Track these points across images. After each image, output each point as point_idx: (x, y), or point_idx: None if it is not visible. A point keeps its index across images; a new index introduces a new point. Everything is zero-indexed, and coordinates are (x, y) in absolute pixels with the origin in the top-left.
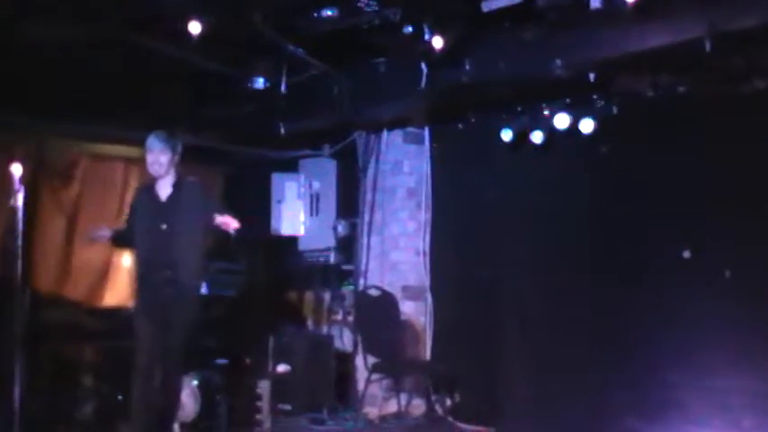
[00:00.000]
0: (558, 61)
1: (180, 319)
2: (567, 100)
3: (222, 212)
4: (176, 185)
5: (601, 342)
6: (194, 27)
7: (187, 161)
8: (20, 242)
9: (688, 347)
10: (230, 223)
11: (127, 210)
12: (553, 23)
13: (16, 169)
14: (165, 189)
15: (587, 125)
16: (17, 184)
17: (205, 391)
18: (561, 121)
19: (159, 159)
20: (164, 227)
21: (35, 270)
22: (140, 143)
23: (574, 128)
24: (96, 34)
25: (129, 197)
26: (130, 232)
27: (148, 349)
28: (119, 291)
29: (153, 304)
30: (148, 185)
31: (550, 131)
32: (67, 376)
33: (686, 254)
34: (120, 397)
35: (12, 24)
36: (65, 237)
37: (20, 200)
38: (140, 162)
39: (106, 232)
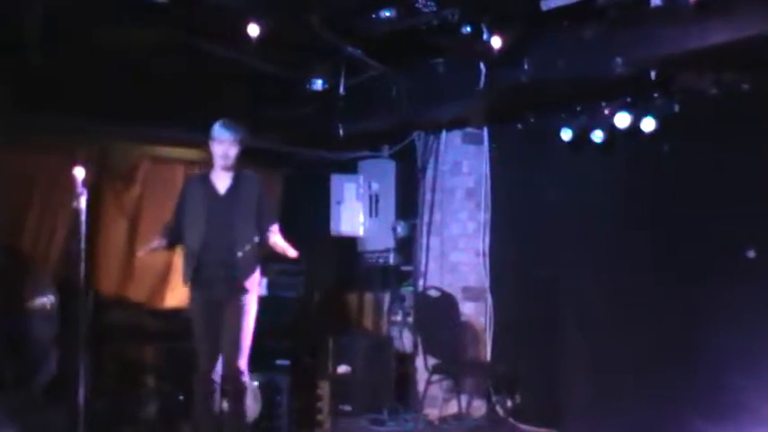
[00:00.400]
0: (619, 59)
1: (239, 320)
2: (628, 98)
3: (274, 216)
4: (236, 178)
5: (663, 342)
6: (253, 30)
7: (247, 163)
8: (83, 245)
9: (753, 349)
10: (288, 251)
11: None
12: (613, 21)
13: (79, 172)
14: (222, 181)
15: (648, 124)
16: (80, 187)
17: (266, 392)
18: (622, 120)
19: (229, 151)
20: (221, 222)
21: (98, 272)
22: (200, 145)
23: (635, 127)
24: (157, 39)
25: None
26: (179, 228)
27: (208, 352)
28: (179, 292)
29: (210, 303)
30: (203, 176)
31: (611, 130)
32: (131, 377)
33: (751, 253)
34: (181, 397)
35: (74, 31)
36: (126, 239)
37: (83, 203)
38: (200, 164)
39: (161, 242)
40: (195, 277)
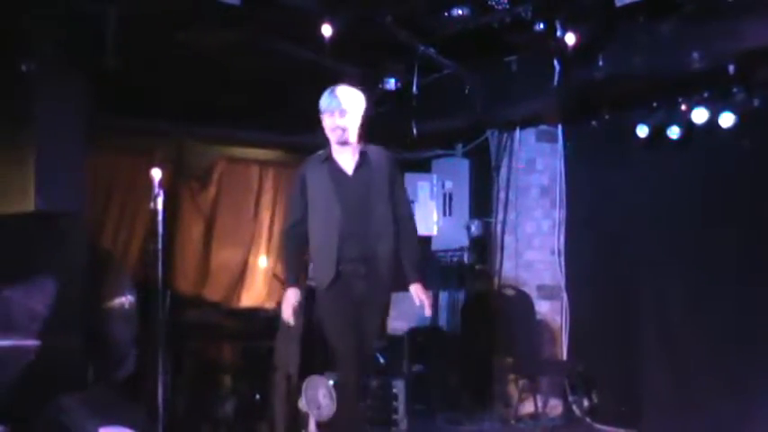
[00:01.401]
0: (696, 54)
1: (376, 320)
2: (706, 94)
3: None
4: (363, 154)
5: (746, 342)
6: (326, 30)
7: None
8: (160, 245)
9: None
10: (426, 305)
11: (265, 212)
12: (689, 15)
13: (156, 173)
14: (348, 160)
15: (727, 119)
16: (157, 188)
17: (341, 391)
18: (699, 115)
19: (339, 122)
20: (355, 208)
21: (175, 272)
22: (275, 146)
23: (713, 122)
24: (233, 40)
25: (264, 200)
26: (304, 222)
27: (351, 359)
28: (255, 292)
29: (346, 304)
30: (324, 156)
31: (688, 126)
32: (208, 376)
33: None
34: (257, 396)
35: (151, 33)
36: (203, 239)
37: (160, 203)
38: (275, 164)
39: (297, 297)
40: (327, 275)
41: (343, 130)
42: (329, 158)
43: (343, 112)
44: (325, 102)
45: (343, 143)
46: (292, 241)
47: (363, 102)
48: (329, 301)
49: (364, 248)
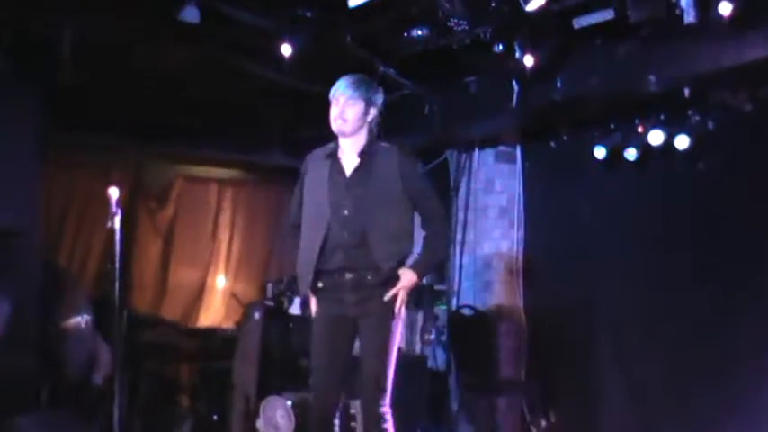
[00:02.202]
0: (652, 77)
1: (373, 339)
2: (662, 116)
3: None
4: (365, 153)
5: (701, 362)
6: (286, 49)
7: (283, 182)
8: (118, 264)
9: None
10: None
11: (224, 232)
12: (646, 38)
13: (113, 192)
14: (350, 158)
15: (683, 141)
16: (115, 207)
17: (300, 412)
18: (656, 137)
19: (344, 112)
20: (346, 212)
21: (133, 291)
22: (234, 165)
23: (669, 144)
24: (192, 58)
25: (222, 219)
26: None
27: (317, 379)
28: (213, 311)
29: (328, 318)
30: (329, 151)
31: (645, 148)
32: (165, 396)
33: None
34: (215, 417)
35: (109, 50)
36: (161, 258)
37: (117, 222)
38: (233, 183)
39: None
40: (315, 284)
41: (343, 120)
42: (333, 155)
43: (348, 101)
44: (334, 89)
45: (343, 135)
46: (295, 247)
47: (375, 94)
48: (315, 315)
49: (355, 259)
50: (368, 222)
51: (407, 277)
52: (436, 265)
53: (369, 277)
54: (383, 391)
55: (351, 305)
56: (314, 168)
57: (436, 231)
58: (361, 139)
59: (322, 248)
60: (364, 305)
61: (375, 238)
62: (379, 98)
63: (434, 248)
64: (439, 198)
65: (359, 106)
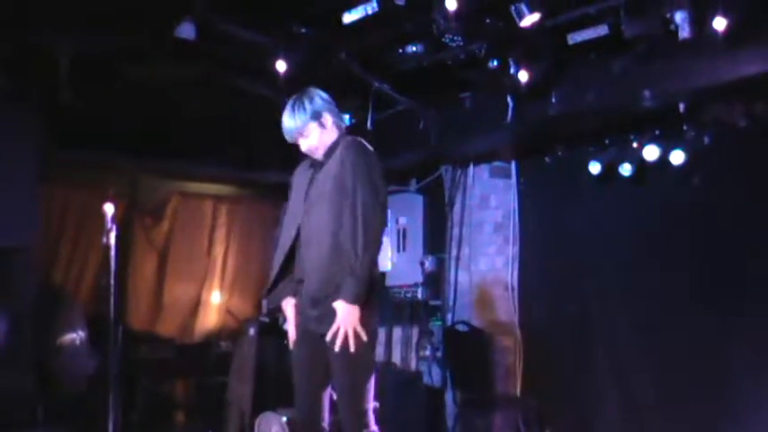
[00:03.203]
0: (647, 92)
1: (336, 365)
2: (657, 131)
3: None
4: (328, 151)
5: (696, 379)
6: (281, 66)
7: (278, 198)
8: (113, 280)
9: None
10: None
11: (219, 248)
12: (641, 54)
13: (109, 208)
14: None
15: (678, 157)
16: (110, 223)
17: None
18: (651, 152)
19: (308, 144)
20: (306, 217)
21: (128, 307)
22: (229, 181)
23: (664, 160)
24: (187, 75)
25: (217, 235)
26: None
27: (298, 397)
28: (208, 327)
29: (302, 335)
30: (310, 159)
31: (640, 163)
32: (161, 412)
33: None
34: None
35: (105, 68)
36: (156, 274)
37: (113, 238)
38: (228, 199)
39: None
40: (280, 297)
41: (312, 149)
42: (313, 161)
43: (297, 137)
44: (282, 127)
45: (322, 156)
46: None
47: (312, 104)
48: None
49: (305, 269)
50: (312, 225)
51: (343, 311)
52: (362, 288)
53: (314, 292)
54: (360, 416)
55: (312, 320)
56: (297, 176)
57: (352, 234)
58: (329, 142)
59: (287, 256)
60: (323, 321)
61: (313, 244)
62: (318, 100)
63: (352, 277)
64: (370, 194)
65: (312, 128)
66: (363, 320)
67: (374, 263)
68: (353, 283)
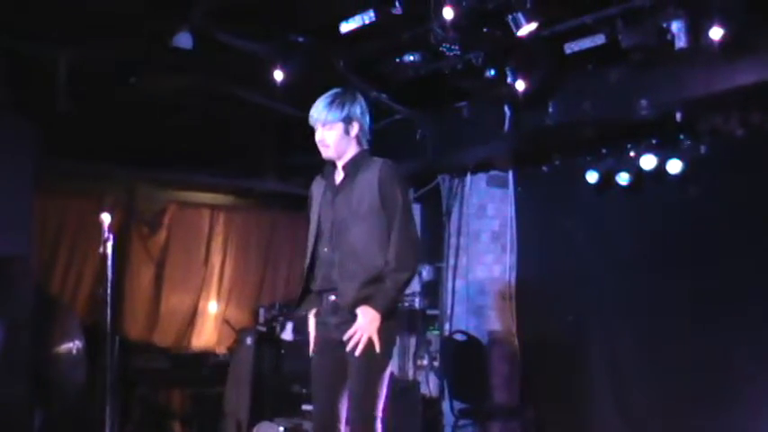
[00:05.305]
0: (644, 101)
1: (354, 372)
2: (654, 141)
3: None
4: (349, 166)
5: (693, 388)
6: (278, 75)
7: (275, 208)
8: (110, 290)
9: None
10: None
11: (216, 257)
12: (638, 64)
13: (106, 218)
14: (340, 174)
15: (675, 166)
16: (107, 233)
17: None
18: (648, 162)
19: (324, 139)
20: (331, 233)
21: (125, 317)
22: (226, 190)
23: (661, 169)
24: (185, 85)
25: (214, 244)
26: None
27: (315, 407)
28: (205, 337)
29: (322, 344)
30: (326, 171)
31: (637, 173)
32: (157, 422)
33: None
34: None
35: (102, 78)
36: (153, 283)
37: (110, 248)
38: (225, 209)
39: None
40: (308, 307)
41: (325, 146)
42: (329, 174)
43: (325, 124)
44: (310, 115)
45: (330, 158)
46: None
47: (352, 108)
48: (315, 339)
49: (333, 280)
50: (341, 239)
51: (367, 317)
52: (393, 303)
53: (343, 303)
54: (369, 422)
55: (333, 328)
56: (316, 190)
57: (397, 268)
58: (349, 155)
59: (311, 267)
60: (343, 330)
61: (342, 257)
62: (358, 109)
63: (386, 290)
64: (411, 220)
65: (337, 128)
66: (382, 331)
67: (408, 284)
68: (386, 296)
